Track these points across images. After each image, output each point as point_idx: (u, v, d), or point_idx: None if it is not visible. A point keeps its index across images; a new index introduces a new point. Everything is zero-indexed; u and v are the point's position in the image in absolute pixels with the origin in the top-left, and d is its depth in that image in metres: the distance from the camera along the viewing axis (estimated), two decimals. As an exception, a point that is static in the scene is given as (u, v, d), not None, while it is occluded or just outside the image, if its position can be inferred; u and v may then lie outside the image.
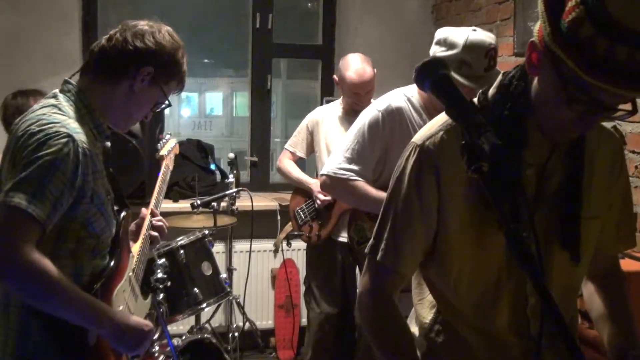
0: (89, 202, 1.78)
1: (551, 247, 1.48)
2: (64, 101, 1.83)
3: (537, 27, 1.30)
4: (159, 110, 2.04)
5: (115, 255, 1.93)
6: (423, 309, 1.61)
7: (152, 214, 2.24)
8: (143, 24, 1.92)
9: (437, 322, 1.57)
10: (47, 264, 1.66)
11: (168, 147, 2.51)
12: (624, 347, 1.56)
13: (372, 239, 1.54)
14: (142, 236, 2.15)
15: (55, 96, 1.85)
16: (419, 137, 1.49)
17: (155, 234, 2.24)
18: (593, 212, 1.51)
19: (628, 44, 1.18)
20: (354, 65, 3.69)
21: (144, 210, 2.23)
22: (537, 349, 1.40)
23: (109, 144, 2.01)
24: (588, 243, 1.51)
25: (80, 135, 1.74)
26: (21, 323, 1.76)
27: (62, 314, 1.72)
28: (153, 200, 2.24)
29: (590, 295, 1.68)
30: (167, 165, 2.43)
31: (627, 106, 1.30)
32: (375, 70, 3.69)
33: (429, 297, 1.59)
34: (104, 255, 1.91)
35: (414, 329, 1.62)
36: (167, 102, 2.00)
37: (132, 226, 2.19)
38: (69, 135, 1.69)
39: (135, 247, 2.10)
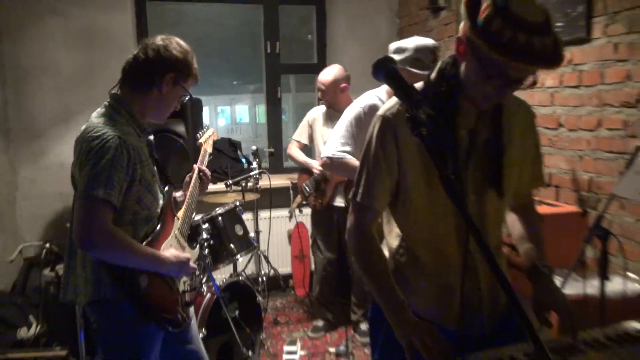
0: (138, 184, 1.82)
1: (484, 188, 1.50)
2: (112, 111, 1.86)
3: (461, 26, 1.34)
4: (183, 101, 2.01)
5: (161, 220, 1.95)
6: (391, 239, 1.63)
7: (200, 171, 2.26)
8: (158, 40, 1.89)
9: (401, 247, 1.59)
10: (121, 233, 1.76)
11: (206, 136, 2.50)
12: (536, 258, 1.59)
13: (353, 188, 1.56)
14: (185, 203, 2.15)
15: (105, 107, 1.88)
16: (381, 110, 1.53)
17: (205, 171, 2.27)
18: (512, 160, 1.53)
19: (525, 31, 1.23)
20: (320, 74, 3.84)
21: (178, 194, 2.21)
22: (464, 259, 1.44)
23: (152, 137, 2.02)
24: (509, 183, 1.54)
25: (127, 136, 1.78)
26: (94, 274, 1.83)
27: (135, 265, 1.81)
28: (194, 176, 2.22)
29: (513, 222, 1.70)
30: (204, 150, 2.42)
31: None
32: (337, 80, 3.75)
33: (396, 230, 1.61)
34: (155, 221, 1.95)
35: (385, 253, 1.64)
36: (188, 94, 1.99)
37: (180, 196, 2.19)
38: (119, 138, 1.75)
39: (181, 212, 2.12)
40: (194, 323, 2.23)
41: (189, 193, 2.18)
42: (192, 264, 1.99)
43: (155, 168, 2.00)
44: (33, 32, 4.19)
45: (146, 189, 1.86)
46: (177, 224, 2.07)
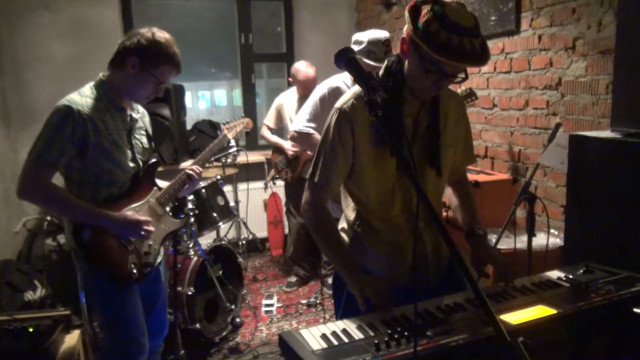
0: (93, 149, 1.77)
1: (424, 167, 1.52)
2: (87, 87, 1.84)
3: (405, 29, 1.34)
4: (161, 88, 1.87)
5: (131, 187, 1.91)
6: (349, 212, 1.64)
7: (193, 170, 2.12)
8: (140, 29, 1.83)
9: (358, 218, 1.60)
10: (57, 189, 1.75)
11: (233, 124, 2.46)
12: (471, 223, 1.63)
13: (310, 169, 1.55)
14: (175, 180, 2.09)
15: (88, 85, 1.85)
16: (338, 103, 1.51)
17: (190, 173, 2.11)
18: (448, 143, 1.55)
19: (458, 34, 1.25)
20: (303, 71, 3.77)
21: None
22: (415, 226, 1.46)
23: (134, 115, 1.93)
24: (446, 163, 1.56)
25: (82, 107, 1.75)
26: (68, 226, 1.85)
27: (70, 217, 1.81)
28: (202, 153, 2.19)
29: (450, 195, 1.75)
30: (225, 136, 2.37)
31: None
32: (314, 69, 3.77)
33: (352, 204, 1.62)
34: (125, 186, 1.89)
35: (344, 225, 1.64)
36: (163, 83, 1.86)
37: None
38: (67, 107, 1.72)
39: (165, 184, 2.06)
40: (164, 287, 2.14)
41: (179, 175, 2.12)
42: (149, 227, 1.87)
43: (133, 142, 1.92)
44: (28, 25, 4.01)
45: (103, 156, 1.80)
46: (156, 193, 2.01)
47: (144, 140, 2.01)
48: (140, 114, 2.01)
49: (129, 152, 1.91)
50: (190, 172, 2.12)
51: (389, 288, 1.38)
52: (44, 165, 1.72)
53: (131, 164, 1.92)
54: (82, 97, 1.79)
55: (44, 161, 1.71)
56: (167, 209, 2.10)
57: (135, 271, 1.89)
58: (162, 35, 1.84)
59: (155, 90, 1.88)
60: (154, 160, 2.02)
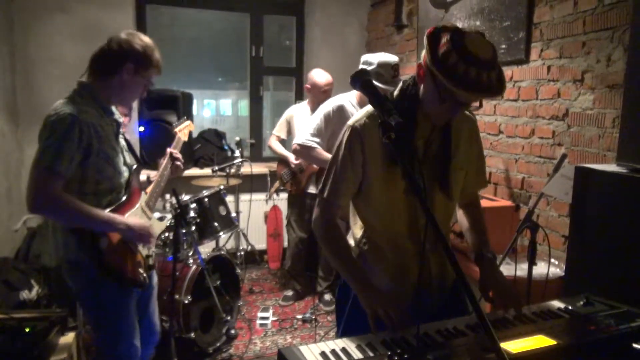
0: (96, 156, 1.78)
1: (434, 190, 1.53)
2: (75, 95, 1.82)
3: (423, 55, 1.36)
4: (149, 89, 1.96)
5: (127, 192, 1.93)
6: (356, 229, 1.64)
7: (172, 156, 2.19)
8: (122, 34, 1.85)
9: (364, 237, 1.60)
10: (69, 198, 1.72)
11: (181, 126, 2.44)
12: (480, 246, 1.63)
13: (321, 185, 1.57)
14: (155, 181, 2.12)
15: (70, 92, 1.84)
16: (350, 121, 1.53)
17: (177, 163, 2.20)
18: (459, 165, 1.56)
19: (476, 67, 1.26)
20: (322, 75, 3.76)
21: (152, 173, 2.18)
22: (422, 249, 1.45)
23: (122, 119, 1.99)
24: (456, 186, 1.57)
25: (82, 114, 1.74)
26: (64, 239, 1.83)
27: (86, 226, 1.78)
28: (166, 159, 2.19)
29: (461, 216, 1.74)
30: (178, 137, 2.37)
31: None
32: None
33: (359, 222, 1.63)
34: (121, 192, 1.91)
35: (351, 242, 1.65)
36: (151, 84, 1.92)
37: (154, 176, 2.14)
38: (72, 115, 1.71)
39: (149, 188, 2.09)
40: (154, 294, 2.18)
41: (159, 172, 2.15)
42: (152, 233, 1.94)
43: (121, 145, 1.96)
44: (42, 26, 4.06)
45: (105, 162, 1.82)
46: (144, 198, 2.04)
47: (124, 143, 2.03)
48: (120, 118, 2.03)
49: (121, 157, 1.94)
50: (178, 163, 2.19)
51: (404, 310, 1.36)
52: (55, 177, 1.69)
53: (124, 168, 1.95)
54: (78, 104, 1.78)
55: (55, 172, 1.68)
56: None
57: (144, 275, 1.95)
58: (147, 39, 1.89)
59: (143, 91, 1.94)
60: (137, 164, 2.04)
